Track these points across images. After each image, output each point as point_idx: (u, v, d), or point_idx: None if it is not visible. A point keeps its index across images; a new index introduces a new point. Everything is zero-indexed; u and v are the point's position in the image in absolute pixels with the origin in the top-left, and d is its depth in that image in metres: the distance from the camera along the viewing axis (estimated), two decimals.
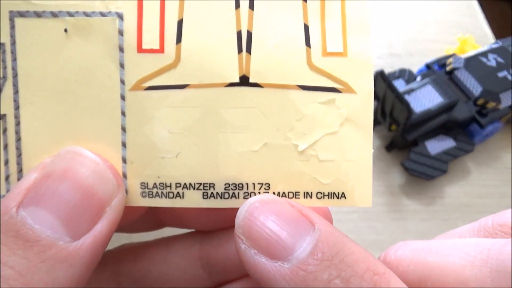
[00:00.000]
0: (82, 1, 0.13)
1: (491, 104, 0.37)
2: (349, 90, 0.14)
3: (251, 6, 0.13)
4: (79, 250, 0.12)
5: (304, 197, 0.14)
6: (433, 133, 0.37)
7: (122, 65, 0.13)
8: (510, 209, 0.14)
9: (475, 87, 0.38)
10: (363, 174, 0.14)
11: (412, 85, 0.39)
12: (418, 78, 0.40)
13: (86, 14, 0.13)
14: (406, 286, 0.12)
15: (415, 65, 0.43)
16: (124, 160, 0.14)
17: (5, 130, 0.13)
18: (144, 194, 0.14)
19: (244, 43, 0.13)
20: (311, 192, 0.14)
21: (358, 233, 0.35)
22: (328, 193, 0.14)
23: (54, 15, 0.13)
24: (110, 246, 0.15)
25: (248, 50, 0.13)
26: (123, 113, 0.13)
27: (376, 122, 0.41)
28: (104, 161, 0.13)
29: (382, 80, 0.37)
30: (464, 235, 0.15)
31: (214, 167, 0.14)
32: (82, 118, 0.13)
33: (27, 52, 0.13)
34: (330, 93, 0.14)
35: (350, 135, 0.14)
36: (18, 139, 0.13)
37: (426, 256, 0.14)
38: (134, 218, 0.15)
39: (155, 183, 0.14)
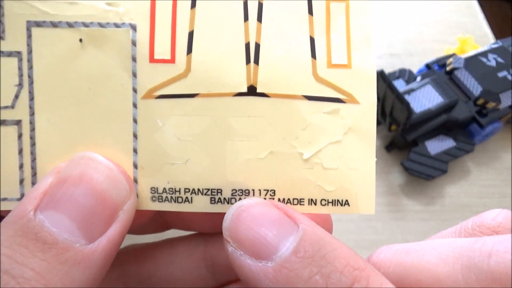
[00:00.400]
0: (97, 13, 0.14)
1: (491, 104, 0.37)
2: (353, 100, 0.14)
3: (259, 19, 0.14)
4: (94, 252, 0.12)
5: (309, 204, 0.14)
6: (433, 133, 0.37)
7: (134, 74, 0.14)
8: (489, 211, 0.15)
9: (475, 87, 0.38)
10: (366, 182, 0.14)
11: (412, 85, 0.39)
12: (418, 78, 0.40)
13: (100, 25, 0.14)
14: (386, 280, 0.12)
15: (415, 65, 0.43)
16: (135, 166, 0.14)
17: (20, 135, 0.14)
18: (154, 199, 0.14)
19: (252, 55, 0.14)
20: (316, 199, 0.14)
21: (358, 233, 0.35)
22: (332, 200, 0.14)
23: (70, 25, 0.13)
24: None
25: (256, 61, 0.14)
26: (135, 120, 0.14)
27: (376, 122, 0.41)
28: (117, 167, 0.13)
29: (382, 80, 0.37)
30: (446, 237, 0.15)
31: (221, 174, 0.14)
32: (95, 124, 0.14)
33: (43, 60, 0.14)
34: (334, 103, 0.14)
35: (354, 144, 0.14)
36: (33, 144, 0.14)
37: (405, 257, 0.14)
38: (143, 221, 0.16)
39: (164, 188, 0.14)
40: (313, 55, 0.14)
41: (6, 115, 0.14)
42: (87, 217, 0.12)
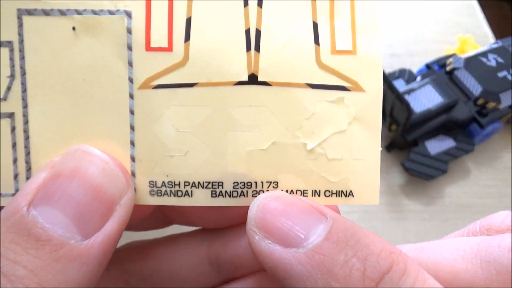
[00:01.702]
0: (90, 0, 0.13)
1: (491, 104, 0.37)
2: (358, 88, 0.14)
3: (260, 4, 0.13)
4: (90, 248, 0.12)
5: (312, 195, 0.14)
6: (433, 133, 0.37)
7: (130, 64, 0.13)
8: (496, 213, 0.14)
9: (475, 87, 0.38)
10: (371, 173, 0.14)
11: (412, 85, 0.39)
12: (418, 78, 0.40)
13: (94, 12, 0.13)
14: (421, 267, 0.12)
15: (415, 65, 0.43)
16: (132, 159, 0.14)
17: (13, 129, 0.13)
18: (152, 193, 0.14)
19: (253, 41, 0.13)
20: (319, 190, 0.14)
21: None
22: (336, 191, 0.14)
23: (62, 13, 0.13)
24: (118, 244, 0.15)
25: (257, 49, 0.13)
26: (132, 112, 0.13)
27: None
28: (113, 160, 0.13)
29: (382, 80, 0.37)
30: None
31: (222, 166, 0.14)
32: (90, 116, 0.13)
33: (35, 50, 0.13)
34: (339, 91, 0.14)
35: (359, 134, 0.14)
36: (27, 138, 0.13)
37: (421, 254, 0.14)
38: (143, 216, 0.15)
39: (163, 182, 0.14)
40: (316, 41, 0.13)
41: None
42: (82, 212, 0.12)
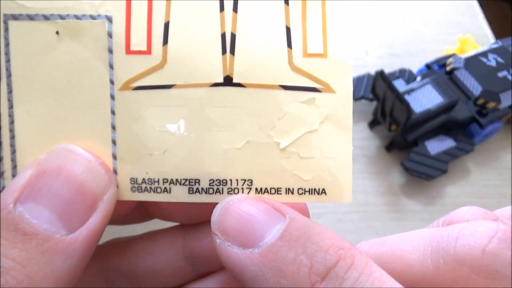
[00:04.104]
0: (73, 5, 0.14)
1: (491, 104, 0.37)
2: (329, 89, 0.14)
3: (235, 9, 0.14)
4: (75, 242, 0.12)
5: (286, 193, 0.14)
6: (433, 133, 0.37)
7: (111, 66, 0.14)
8: (458, 209, 0.15)
9: (475, 87, 0.38)
10: (343, 171, 0.14)
11: (412, 85, 0.39)
12: (418, 78, 0.40)
13: (76, 17, 0.14)
14: (371, 260, 0.13)
15: (415, 65, 0.43)
16: (114, 157, 0.14)
17: None
18: (133, 189, 0.14)
19: (228, 45, 0.14)
20: (293, 188, 0.14)
21: (358, 233, 0.35)
22: (309, 189, 0.14)
23: (46, 18, 0.14)
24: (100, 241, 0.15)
25: (232, 52, 0.14)
26: (113, 112, 0.14)
27: (376, 122, 0.41)
28: (96, 158, 0.13)
29: (382, 80, 0.37)
30: None
31: (199, 164, 0.14)
32: (74, 116, 0.14)
33: (20, 53, 0.14)
34: (310, 92, 0.14)
35: (330, 133, 0.14)
36: (12, 137, 0.14)
37: (380, 248, 0.15)
38: (125, 211, 0.16)
39: (143, 179, 0.14)
40: (289, 44, 0.14)
41: None
42: (66, 208, 0.12)
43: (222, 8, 0.14)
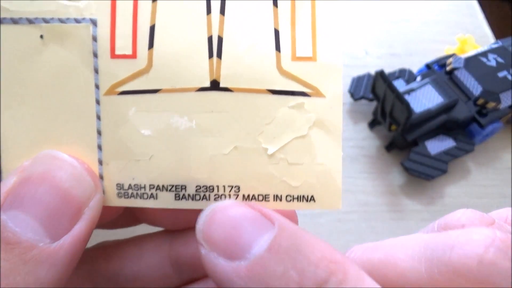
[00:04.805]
0: (57, 8, 0.13)
1: (491, 104, 0.37)
2: (318, 94, 0.14)
3: (222, 12, 0.14)
4: (59, 250, 0.12)
5: (274, 200, 0.14)
6: (433, 133, 0.37)
7: (96, 71, 0.14)
8: (453, 212, 0.14)
9: (475, 87, 0.38)
10: (332, 177, 0.14)
11: (412, 85, 0.39)
12: (418, 78, 0.40)
13: (61, 21, 0.13)
14: (364, 273, 0.12)
15: (415, 65, 0.43)
16: (100, 162, 0.14)
17: None
18: (120, 195, 0.14)
19: (215, 48, 0.14)
20: (281, 195, 0.14)
21: (358, 233, 0.35)
22: (298, 196, 0.14)
23: (30, 21, 0.13)
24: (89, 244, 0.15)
25: (219, 55, 0.14)
26: (98, 117, 0.14)
27: (376, 122, 0.41)
28: (81, 164, 0.13)
29: (382, 80, 0.37)
30: None
31: (185, 170, 0.14)
32: (59, 121, 0.14)
33: (4, 57, 0.13)
34: (299, 97, 0.14)
35: (319, 139, 0.14)
36: None
37: (373, 254, 0.14)
38: (113, 216, 0.16)
39: (130, 184, 0.14)
40: (278, 48, 0.14)
41: None
42: (51, 215, 0.12)
43: (209, 11, 0.14)
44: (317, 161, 0.14)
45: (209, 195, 0.14)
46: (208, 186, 0.14)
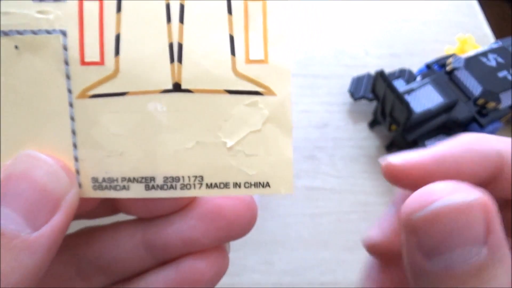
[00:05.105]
0: (30, 21, 0.15)
1: (491, 104, 0.37)
2: (270, 92, 0.15)
3: (181, 20, 0.15)
4: (39, 238, 0.14)
5: (234, 187, 0.16)
6: (433, 133, 0.37)
7: (68, 77, 0.15)
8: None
9: (475, 87, 0.38)
10: (284, 166, 0.16)
11: (412, 85, 0.39)
12: (418, 78, 0.41)
13: (33, 32, 0.15)
14: None
15: (415, 65, 0.43)
16: (76, 159, 0.15)
17: None
18: (95, 187, 0.16)
19: (176, 54, 0.15)
20: (240, 183, 0.16)
21: (358, 233, 0.35)
22: (255, 183, 0.16)
23: (5, 34, 0.15)
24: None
25: (179, 60, 0.15)
26: (72, 118, 0.15)
27: (376, 122, 0.41)
28: (57, 162, 0.15)
29: (382, 80, 0.38)
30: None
31: (153, 164, 0.15)
32: (38, 123, 0.15)
33: None
34: (253, 96, 0.15)
35: (272, 132, 0.15)
36: None
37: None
38: (91, 207, 0.17)
39: (103, 178, 0.16)
40: (233, 52, 0.15)
41: None
42: (31, 209, 0.14)
43: (169, 20, 0.15)
44: (271, 152, 0.16)
45: (176, 184, 0.16)
46: (174, 176, 0.16)
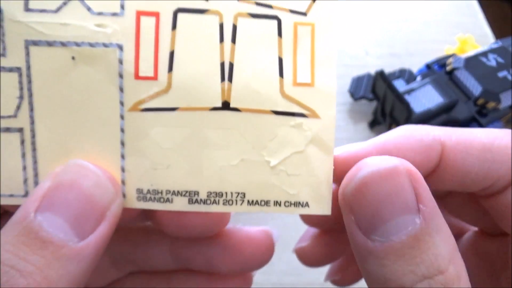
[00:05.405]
0: (87, 33, 0.15)
1: (491, 104, 0.37)
2: (315, 115, 0.16)
3: (233, 40, 0.15)
4: (86, 248, 0.14)
5: (274, 205, 0.16)
6: None
7: (121, 89, 0.15)
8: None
9: (475, 87, 0.38)
10: (324, 187, 0.16)
11: (412, 85, 0.39)
12: (418, 78, 0.41)
13: (91, 45, 0.15)
14: None
15: (415, 65, 0.43)
16: (122, 169, 0.16)
17: (22, 141, 0.16)
18: (139, 198, 0.16)
19: (227, 73, 0.15)
20: (280, 201, 0.16)
21: None
22: (294, 202, 0.16)
23: (63, 44, 0.15)
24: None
25: (230, 79, 0.15)
26: (122, 130, 0.16)
27: (376, 122, 0.41)
28: (104, 173, 0.15)
29: (382, 80, 0.38)
30: None
31: (198, 178, 0.16)
32: (87, 132, 0.16)
33: (40, 75, 0.15)
34: (298, 118, 0.16)
35: (314, 154, 0.16)
36: (34, 149, 0.16)
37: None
38: (132, 217, 0.18)
39: (148, 189, 0.16)
40: (281, 74, 0.16)
41: (10, 123, 0.15)
42: (78, 218, 0.14)
43: (222, 39, 0.15)
44: (312, 173, 0.16)
45: (219, 200, 0.16)
46: (218, 192, 0.16)
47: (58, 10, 0.15)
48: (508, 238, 0.18)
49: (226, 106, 0.16)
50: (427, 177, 0.16)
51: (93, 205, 0.14)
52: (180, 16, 0.15)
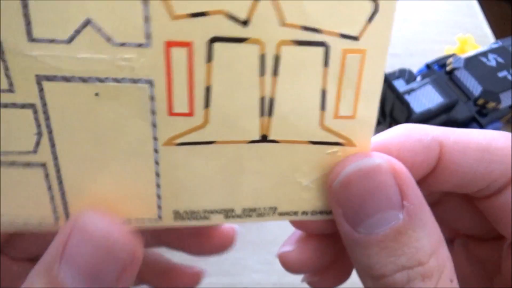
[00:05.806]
0: (111, 68, 0.13)
1: (491, 104, 0.37)
2: (351, 144, 0.16)
3: (275, 73, 0.14)
4: None
5: (302, 214, 0.17)
6: None
7: (154, 125, 0.14)
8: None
9: (475, 87, 0.38)
10: None
11: (412, 85, 0.39)
12: (418, 78, 0.41)
13: (116, 80, 0.14)
14: None
15: (415, 65, 0.43)
16: (158, 197, 0.16)
17: (47, 175, 0.15)
18: (176, 218, 0.16)
19: (266, 108, 0.15)
20: (307, 211, 0.17)
21: None
22: (320, 211, 0.17)
23: (83, 80, 0.13)
24: None
25: (269, 114, 0.15)
26: (157, 162, 0.15)
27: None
28: (120, 232, 0.14)
29: None
30: None
31: (234, 199, 0.16)
32: (118, 165, 0.15)
33: (59, 112, 0.14)
34: (334, 146, 0.16)
35: None
36: (60, 182, 0.15)
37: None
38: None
39: (185, 211, 0.16)
40: (323, 107, 0.15)
41: (30, 158, 0.14)
42: (96, 273, 0.14)
43: (262, 73, 0.14)
44: None
45: (252, 213, 0.16)
46: (251, 208, 0.16)
47: (70, 40, 0.13)
48: (500, 242, 0.18)
49: (264, 138, 0.15)
50: (426, 177, 0.16)
51: (115, 262, 0.14)
52: (216, 46, 0.14)
